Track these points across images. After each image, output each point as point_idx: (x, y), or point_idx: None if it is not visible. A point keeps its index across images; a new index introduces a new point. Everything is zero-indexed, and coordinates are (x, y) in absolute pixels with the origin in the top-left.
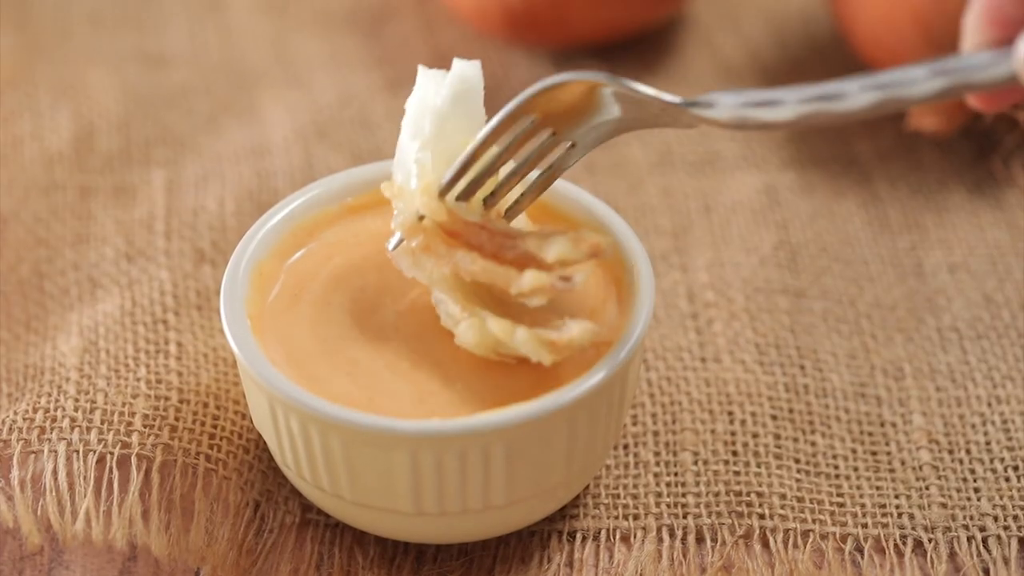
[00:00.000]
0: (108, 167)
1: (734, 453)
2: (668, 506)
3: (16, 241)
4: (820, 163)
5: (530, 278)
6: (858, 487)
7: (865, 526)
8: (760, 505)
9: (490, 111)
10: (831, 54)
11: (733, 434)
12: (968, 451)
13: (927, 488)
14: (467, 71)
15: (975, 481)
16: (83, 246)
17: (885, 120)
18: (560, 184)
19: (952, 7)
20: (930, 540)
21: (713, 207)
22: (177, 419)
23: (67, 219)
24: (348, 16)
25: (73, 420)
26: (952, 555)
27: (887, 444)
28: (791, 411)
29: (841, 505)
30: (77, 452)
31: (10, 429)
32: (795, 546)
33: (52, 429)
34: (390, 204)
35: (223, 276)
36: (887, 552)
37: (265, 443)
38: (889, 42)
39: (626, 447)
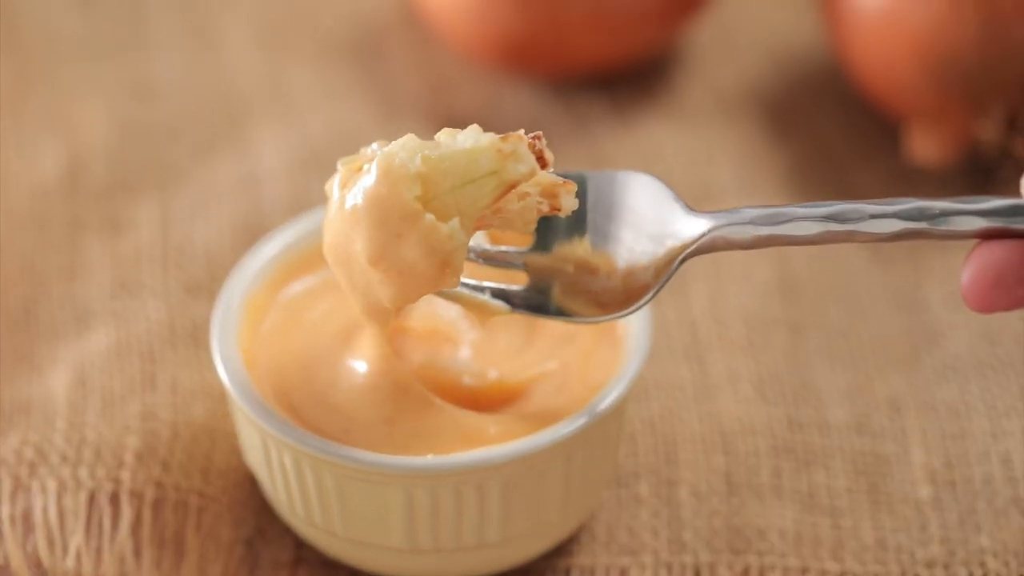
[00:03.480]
0: (99, 199)
1: (732, 488)
2: (666, 542)
3: (5, 274)
4: (818, 195)
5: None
6: (858, 523)
7: (864, 563)
8: (759, 541)
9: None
10: (830, 85)
11: (731, 469)
12: (969, 486)
13: (927, 524)
14: None
15: (976, 516)
16: (73, 279)
17: (882, 151)
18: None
19: (953, 39)
20: None
21: None
22: (169, 455)
23: (57, 251)
24: (342, 46)
25: (63, 456)
26: None
27: (887, 479)
28: (790, 446)
29: (840, 542)
30: (67, 488)
31: None
32: None
33: (42, 465)
34: None
35: (215, 309)
36: None
37: (257, 479)
38: (889, 74)
39: (623, 482)
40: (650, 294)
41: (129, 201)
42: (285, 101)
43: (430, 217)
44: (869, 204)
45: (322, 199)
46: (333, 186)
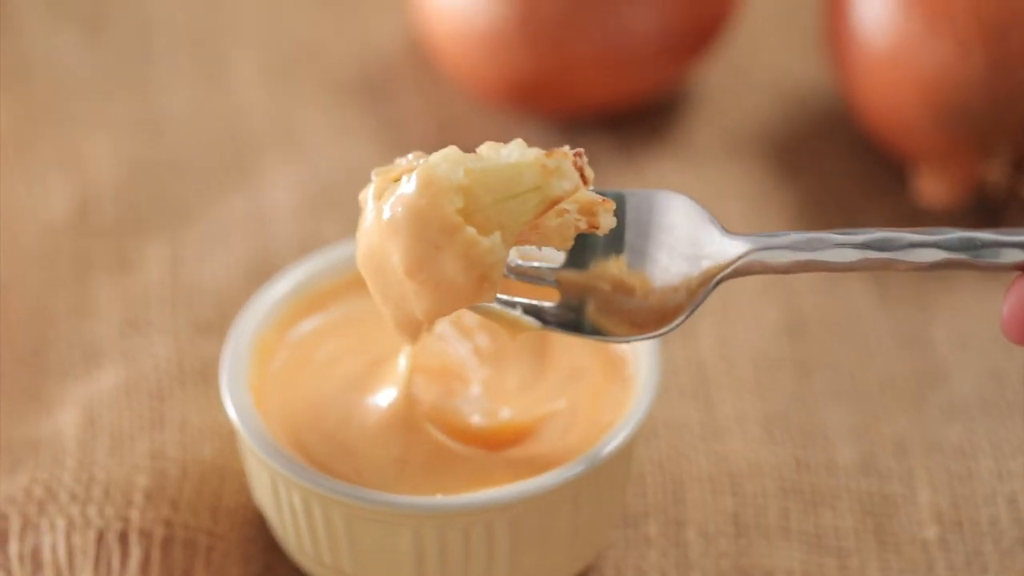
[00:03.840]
0: (108, 237)
1: (740, 529)
2: None
3: (14, 312)
4: (823, 230)
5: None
6: (864, 564)
7: None
8: None
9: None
10: (838, 126)
11: (739, 510)
12: (975, 527)
13: (934, 565)
14: None
15: (982, 557)
16: (82, 317)
17: (889, 191)
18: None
19: (960, 80)
20: None
21: None
22: (178, 493)
23: (66, 290)
24: (351, 84)
25: (72, 494)
26: None
27: (894, 519)
28: (798, 486)
29: None
30: (76, 527)
31: (8, 502)
32: None
33: (51, 503)
34: None
35: (224, 347)
36: None
37: (266, 518)
38: (896, 115)
39: (631, 522)
40: (684, 315)
41: (138, 239)
42: (294, 139)
43: (471, 230)
44: (909, 233)
45: (331, 238)
46: (368, 196)
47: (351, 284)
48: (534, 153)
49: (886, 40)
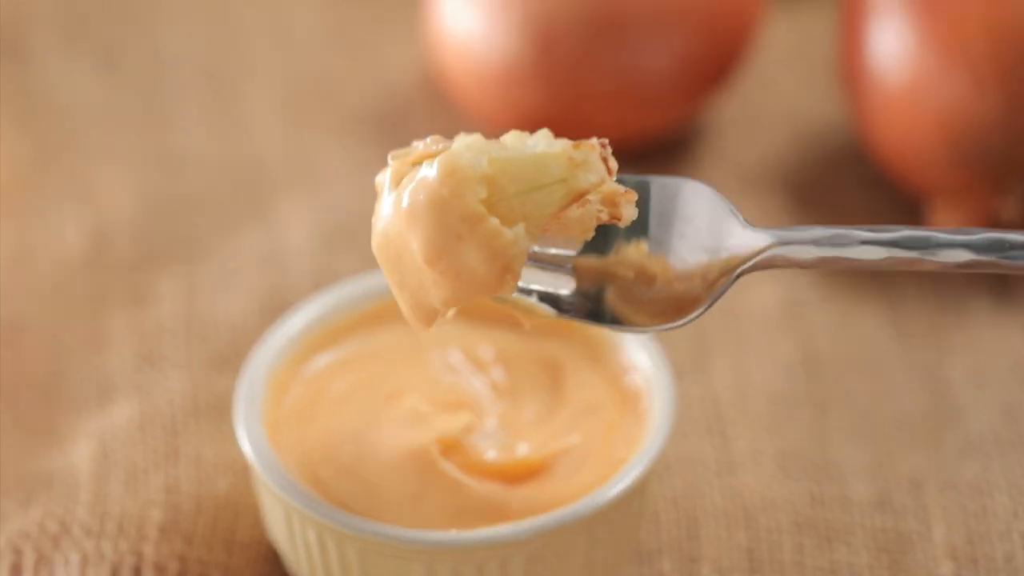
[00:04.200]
0: (123, 271)
1: (755, 565)
2: None
3: (30, 347)
4: (840, 270)
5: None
6: None
7: None
8: None
9: None
10: (853, 162)
11: (753, 545)
12: (991, 564)
13: None
14: None
15: None
16: (98, 351)
17: (904, 222)
18: None
19: (975, 117)
20: None
21: (732, 313)
22: (192, 528)
23: (81, 324)
24: (366, 119)
25: (87, 529)
26: None
27: (909, 556)
28: (812, 522)
29: None
30: (90, 561)
31: (22, 537)
32: None
33: (65, 538)
34: None
35: (238, 382)
36: None
37: (280, 553)
38: (911, 151)
39: (645, 559)
40: (704, 307)
41: (153, 274)
42: (310, 174)
43: (494, 221)
44: (939, 232)
45: (346, 273)
46: (384, 181)
47: (365, 319)
48: (561, 144)
49: (902, 76)
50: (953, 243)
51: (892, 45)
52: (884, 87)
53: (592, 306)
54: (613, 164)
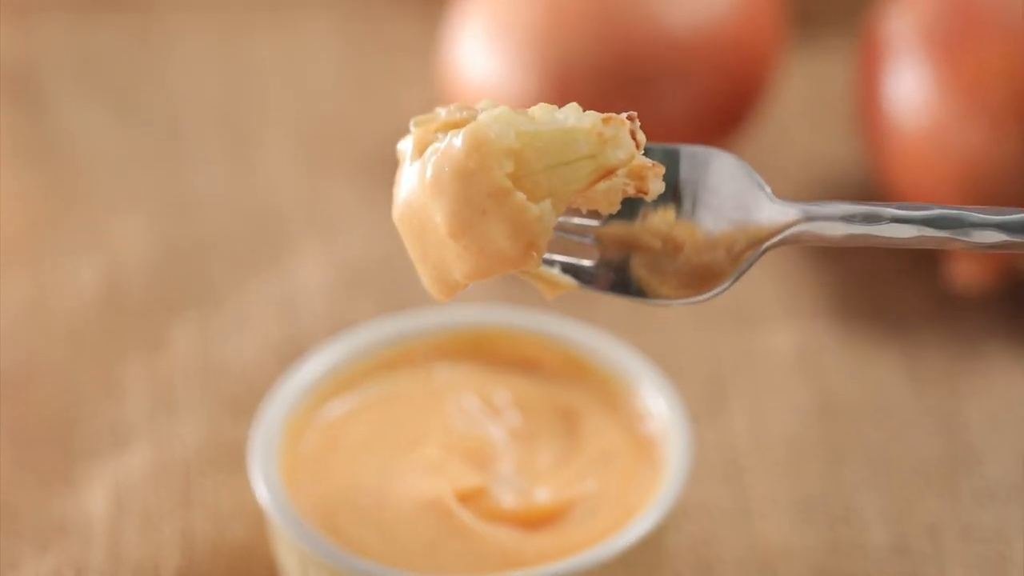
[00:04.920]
0: (137, 317)
1: None
2: None
3: (45, 393)
4: (858, 316)
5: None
6: None
7: None
8: None
9: None
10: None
11: None
12: None
13: None
14: None
15: None
16: (113, 397)
17: (922, 274)
18: (589, 335)
19: (994, 163)
20: None
21: (748, 359)
22: (208, 575)
23: (95, 369)
24: (381, 162)
25: (103, 575)
26: None
27: None
28: (830, 569)
29: None
30: None
31: None
32: None
33: None
34: (425, 358)
35: (254, 428)
36: None
37: None
38: (930, 197)
39: None
40: (730, 280)
41: (168, 319)
42: (325, 218)
43: (520, 196)
44: (972, 212)
45: (361, 318)
46: (407, 148)
47: (381, 365)
48: (590, 119)
49: (919, 121)
50: (986, 223)
51: (909, 90)
52: (901, 132)
53: (616, 277)
54: (641, 137)
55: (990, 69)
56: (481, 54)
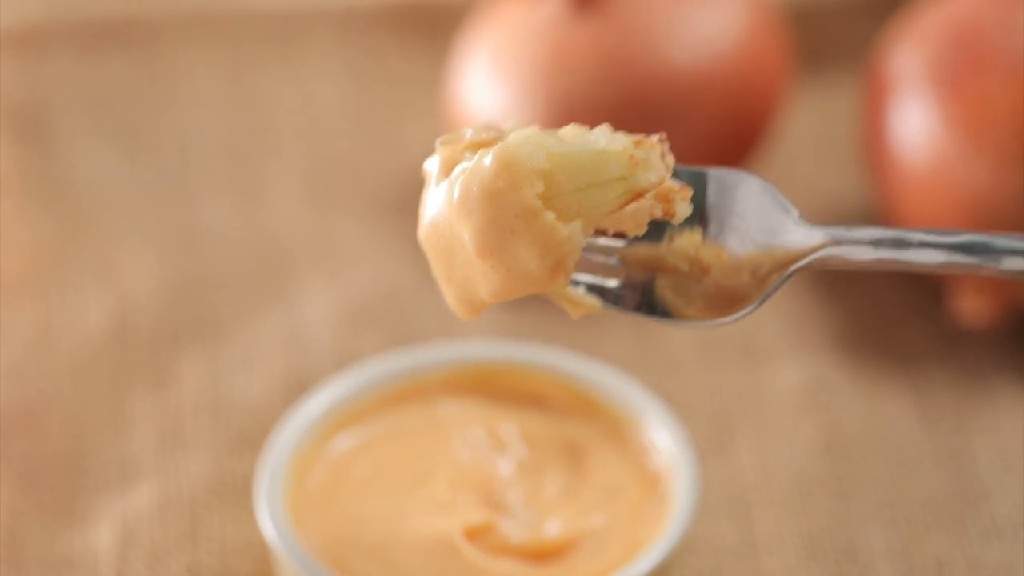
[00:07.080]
0: (145, 351)
1: None
2: None
3: (52, 428)
4: (865, 351)
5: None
6: None
7: None
8: None
9: None
10: None
11: None
12: None
13: None
14: None
15: None
16: (120, 432)
17: (928, 310)
18: (595, 370)
19: (1000, 197)
20: None
21: (755, 395)
22: None
23: (103, 404)
24: (388, 198)
25: None
26: None
27: None
28: None
29: None
30: None
31: None
32: None
33: None
34: (431, 392)
35: (260, 463)
36: None
37: None
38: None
39: None
40: (755, 304)
41: (176, 354)
42: (332, 254)
43: (550, 216)
44: (1001, 238)
45: (368, 353)
46: (433, 168)
47: (388, 400)
48: (622, 141)
49: (925, 156)
50: (1016, 250)
51: (915, 125)
52: (907, 167)
53: (641, 298)
54: (670, 160)
55: (995, 105)
56: (486, 89)
